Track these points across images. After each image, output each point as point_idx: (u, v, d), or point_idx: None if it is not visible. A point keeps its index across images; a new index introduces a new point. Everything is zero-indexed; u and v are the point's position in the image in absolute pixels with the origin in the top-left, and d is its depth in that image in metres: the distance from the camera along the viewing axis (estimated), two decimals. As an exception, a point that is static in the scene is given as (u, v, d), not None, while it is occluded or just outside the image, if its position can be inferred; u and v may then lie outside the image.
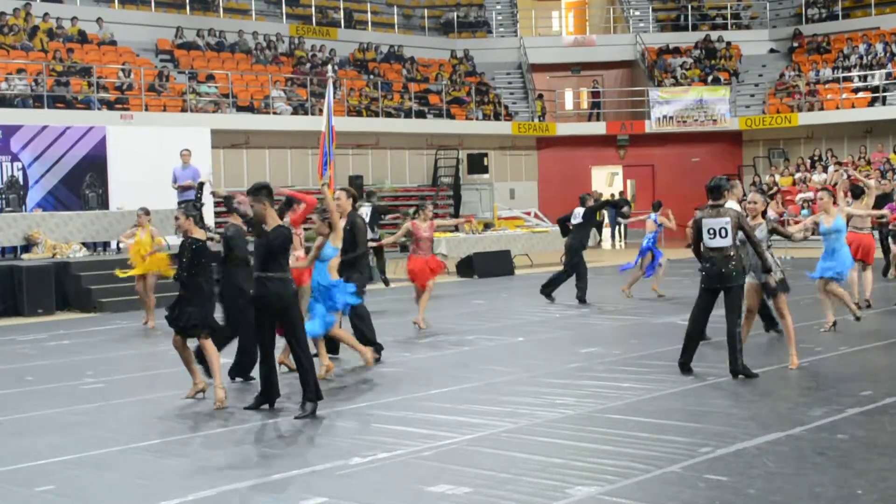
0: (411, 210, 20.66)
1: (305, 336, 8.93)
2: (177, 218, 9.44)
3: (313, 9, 33.88)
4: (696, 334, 10.09)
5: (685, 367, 10.05)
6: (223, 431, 8.28)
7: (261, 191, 8.79)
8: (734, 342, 9.72)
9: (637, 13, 37.71)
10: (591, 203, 17.32)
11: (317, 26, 33.47)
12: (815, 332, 12.44)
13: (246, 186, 27.99)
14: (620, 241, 33.04)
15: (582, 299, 16.61)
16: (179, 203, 18.81)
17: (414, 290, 14.38)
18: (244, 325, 9.80)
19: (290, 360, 10.86)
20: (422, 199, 28.52)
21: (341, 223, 11.25)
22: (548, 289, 17.05)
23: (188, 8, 31.22)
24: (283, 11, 33.40)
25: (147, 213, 15.35)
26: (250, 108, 27.97)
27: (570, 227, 17.20)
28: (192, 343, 9.42)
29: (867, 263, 14.40)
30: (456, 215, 30.99)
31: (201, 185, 19.86)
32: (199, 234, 9.41)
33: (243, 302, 9.56)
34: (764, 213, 10.36)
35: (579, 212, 17.09)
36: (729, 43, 36.06)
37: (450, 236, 24.03)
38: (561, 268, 17.51)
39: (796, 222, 28.94)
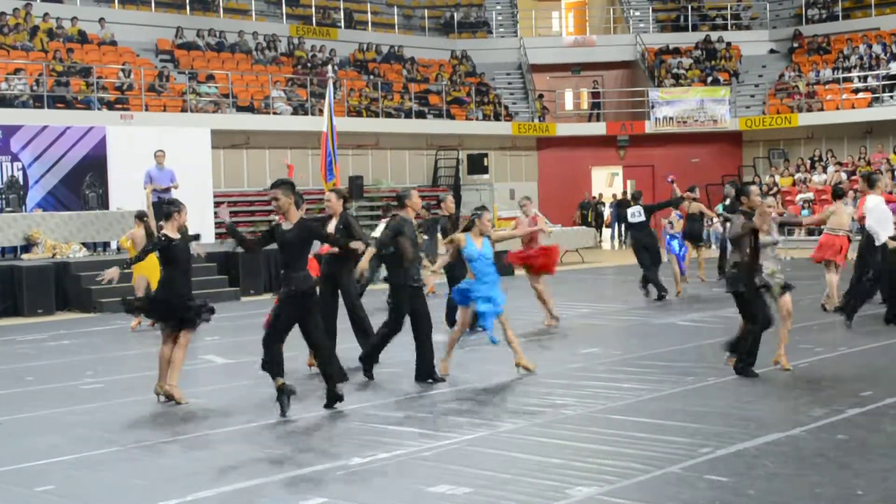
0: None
1: (322, 330, 8.91)
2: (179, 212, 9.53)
3: (313, 9, 33.89)
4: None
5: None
6: (223, 432, 8.28)
7: (287, 184, 8.85)
8: (743, 341, 9.70)
9: (637, 13, 37.69)
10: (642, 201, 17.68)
11: (317, 26, 33.47)
12: (816, 332, 12.44)
13: (246, 187, 27.99)
14: (623, 242, 33.02)
15: (653, 286, 17.08)
16: (154, 203, 18.70)
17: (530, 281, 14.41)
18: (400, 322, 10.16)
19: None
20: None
21: (333, 223, 11.30)
22: (645, 287, 17.29)
23: (188, 8, 31.21)
24: (284, 12, 33.40)
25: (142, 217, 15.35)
26: (250, 109, 27.97)
27: (631, 226, 17.52)
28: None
29: (838, 265, 14.36)
30: (456, 216, 30.96)
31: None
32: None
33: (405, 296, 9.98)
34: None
35: (637, 210, 17.25)
36: (729, 43, 36.05)
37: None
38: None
39: (797, 223, 29.12)
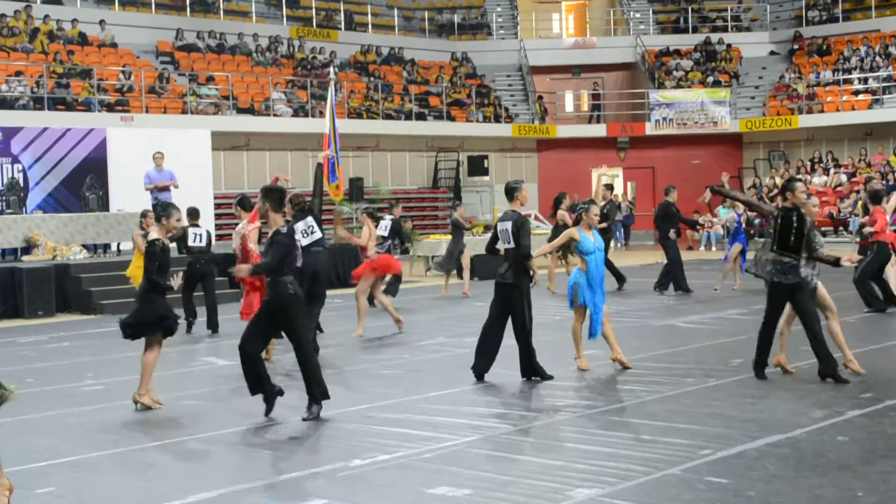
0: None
1: (306, 337, 8.87)
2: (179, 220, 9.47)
3: (314, 11, 33.90)
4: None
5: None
6: (223, 433, 8.27)
7: (265, 190, 8.82)
8: (819, 344, 9.54)
9: (637, 15, 37.72)
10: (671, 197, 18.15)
11: (317, 28, 33.49)
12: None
13: (246, 188, 28.06)
14: (621, 244, 33.02)
15: (664, 287, 17.76)
16: (154, 205, 18.74)
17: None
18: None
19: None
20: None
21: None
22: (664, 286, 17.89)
23: (188, 10, 31.24)
24: (284, 13, 33.42)
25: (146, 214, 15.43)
26: (251, 110, 27.98)
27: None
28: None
29: None
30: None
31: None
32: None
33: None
34: None
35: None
36: (729, 45, 36.07)
37: (450, 238, 23.97)
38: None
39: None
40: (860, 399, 8.75)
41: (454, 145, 32.15)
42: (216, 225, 24.59)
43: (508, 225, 9.94)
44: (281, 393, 8.85)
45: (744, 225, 18.53)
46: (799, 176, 31.06)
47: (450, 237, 24.36)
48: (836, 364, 9.57)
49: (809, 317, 9.52)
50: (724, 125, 33.31)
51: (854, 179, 29.43)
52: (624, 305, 16.43)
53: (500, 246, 10.25)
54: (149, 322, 9.25)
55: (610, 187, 19.36)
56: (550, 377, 10.04)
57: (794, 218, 9.44)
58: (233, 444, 7.98)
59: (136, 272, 14.84)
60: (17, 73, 24.37)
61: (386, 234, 17.37)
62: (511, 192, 10.17)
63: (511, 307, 10.04)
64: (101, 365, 12.03)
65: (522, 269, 9.94)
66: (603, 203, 18.16)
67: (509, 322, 10.16)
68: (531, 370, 10.12)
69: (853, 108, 31.98)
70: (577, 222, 10.53)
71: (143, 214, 15.47)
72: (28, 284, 17.05)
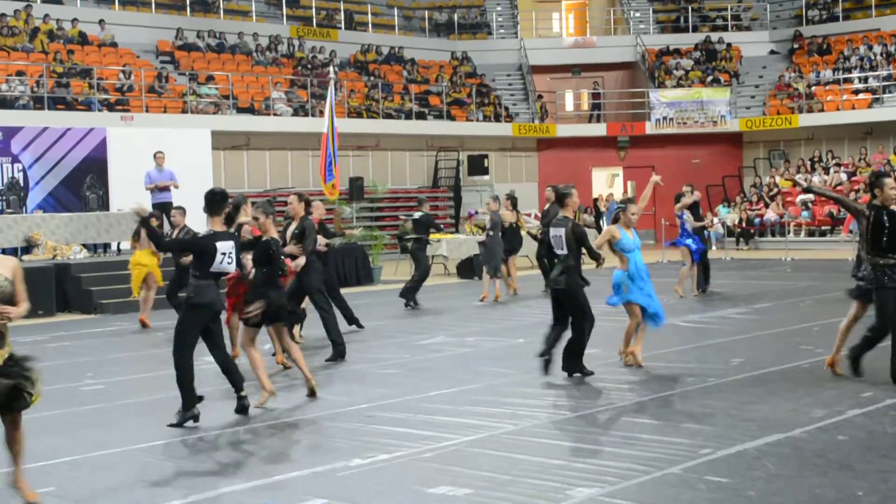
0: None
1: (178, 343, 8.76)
2: (174, 216, 9.53)
3: (314, 10, 33.91)
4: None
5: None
6: (223, 433, 8.28)
7: (209, 196, 8.89)
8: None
9: (637, 14, 37.71)
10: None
11: (317, 28, 33.49)
12: (816, 333, 12.43)
13: (246, 188, 28.11)
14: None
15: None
16: (154, 204, 18.77)
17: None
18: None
19: (286, 359, 10.90)
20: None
21: (292, 227, 11.38)
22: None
23: (188, 9, 31.25)
24: (284, 13, 33.42)
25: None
26: (251, 110, 27.98)
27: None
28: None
29: None
30: (456, 217, 31.00)
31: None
32: (273, 232, 9.60)
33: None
34: None
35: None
36: (729, 44, 36.07)
37: (450, 237, 24.03)
38: None
39: (797, 224, 29.15)
40: (860, 398, 8.74)
41: (454, 144, 32.15)
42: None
43: (562, 232, 9.97)
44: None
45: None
46: (884, 170, 30.94)
47: (450, 236, 24.49)
48: None
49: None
50: (724, 124, 33.31)
51: (854, 179, 29.43)
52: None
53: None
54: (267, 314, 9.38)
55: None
56: (591, 373, 10.16)
57: (886, 217, 9.03)
58: (233, 443, 7.99)
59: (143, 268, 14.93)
60: (18, 73, 24.36)
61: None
62: (562, 197, 10.20)
63: (570, 308, 10.17)
64: (101, 365, 12.04)
65: (575, 273, 10.03)
66: (548, 206, 17.74)
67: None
68: (574, 367, 10.16)
69: (853, 108, 31.97)
70: (615, 220, 10.59)
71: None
72: (28, 284, 16.95)
